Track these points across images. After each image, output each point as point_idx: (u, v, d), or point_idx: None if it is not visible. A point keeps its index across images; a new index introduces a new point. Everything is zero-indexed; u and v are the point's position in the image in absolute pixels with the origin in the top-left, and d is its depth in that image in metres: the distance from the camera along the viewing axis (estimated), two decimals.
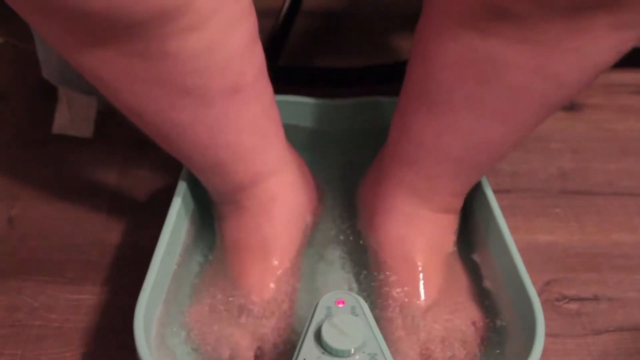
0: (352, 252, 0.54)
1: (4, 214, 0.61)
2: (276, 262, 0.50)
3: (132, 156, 0.66)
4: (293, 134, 0.57)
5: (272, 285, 0.49)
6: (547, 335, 0.49)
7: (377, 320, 0.45)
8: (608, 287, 0.55)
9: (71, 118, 0.67)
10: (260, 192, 0.50)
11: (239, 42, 0.42)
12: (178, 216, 0.51)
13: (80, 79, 0.43)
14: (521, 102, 0.42)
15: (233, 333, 0.47)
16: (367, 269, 0.52)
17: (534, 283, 0.45)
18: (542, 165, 0.66)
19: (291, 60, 0.78)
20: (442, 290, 0.49)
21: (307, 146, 0.60)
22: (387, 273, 0.50)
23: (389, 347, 0.42)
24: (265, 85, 0.47)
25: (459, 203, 0.52)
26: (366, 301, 0.44)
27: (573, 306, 0.53)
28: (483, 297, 0.50)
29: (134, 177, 0.64)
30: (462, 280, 0.51)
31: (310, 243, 0.54)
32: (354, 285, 0.52)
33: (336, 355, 0.40)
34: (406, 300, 0.48)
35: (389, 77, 0.72)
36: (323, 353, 0.41)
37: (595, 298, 0.54)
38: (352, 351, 0.40)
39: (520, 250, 0.47)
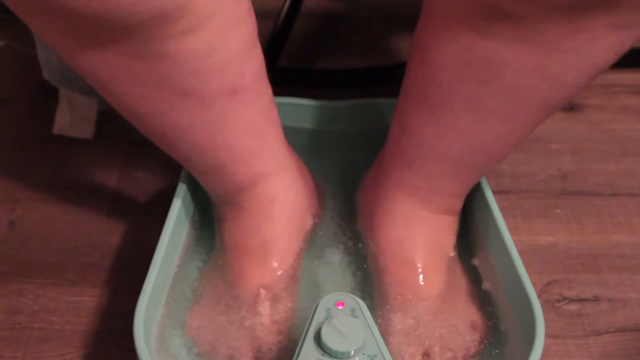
0: (352, 253, 0.54)
1: (5, 216, 0.61)
2: (276, 264, 0.50)
3: (132, 157, 0.67)
4: (293, 136, 0.57)
5: (272, 287, 0.49)
6: (548, 336, 0.49)
7: (377, 321, 0.45)
8: (608, 287, 0.55)
9: (72, 119, 0.68)
10: (260, 194, 0.50)
11: (238, 43, 0.42)
12: (178, 218, 0.51)
13: (80, 80, 0.43)
14: (520, 103, 0.42)
15: (233, 335, 0.47)
16: (367, 270, 0.52)
17: (534, 284, 0.45)
18: (542, 166, 0.66)
19: (291, 62, 0.78)
20: (442, 291, 0.49)
21: (306, 148, 0.60)
22: (387, 274, 0.50)
23: (389, 348, 0.42)
24: (264, 86, 0.47)
25: (458, 204, 0.52)
26: (366, 303, 0.44)
27: (573, 307, 0.53)
28: (483, 298, 0.50)
29: (134, 179, 0.64)
30: (462, 281, 0.51)
31: (310, 244, 0.54)
32: (354, 287, 0.52)
33: (336, 357, 0.40)
34: (406, 301, 0.48)
35: (388, 79, 0.72)
36: (323, 355, 0.41)
37: (596, 299, 0.54)
38: (352, 353, 0.40)
39: (520, 251, 0.47)
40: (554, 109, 0.44)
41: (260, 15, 0.45)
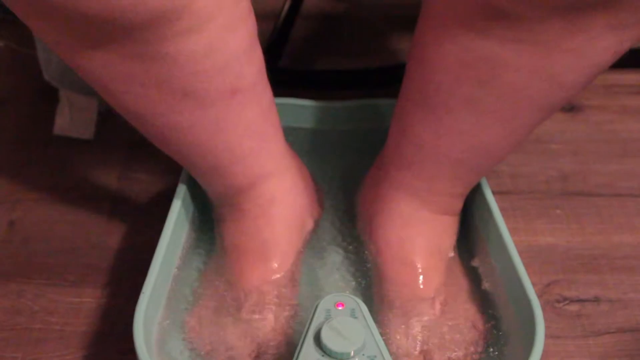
0: (352, 254, 0.54)
1: (5, 217, 0.61)
2: (276, 265, 0.50)
3: (132, 158, 0.67)
4: (293, 137, 0.57)
5: (271, 288, 0.49)
6: (548, 336, 0.49)
7: (377, 322, 0.45)
8: (609, 288, 0.55)
9: (72, 119, 0.68)
10: (260, 195, 0.50)
11: (238, 44, 0.42)
12: (178, 219, 0.51)
13: (80, 81, 0.43)
14: (520, 103, 0.42)
15: (233, 336, 0.47)
16: (367, 271, 0.52)
17: (534, 284, 0.45)
18: (542, 167, 0.66)
19: (291, 63, 0.78)
20: (442, 292, 0.49)
21: (306, 148, 0.60)
22: (387, 275, 0.50)
23: (389, 349, 0.42)
24: (264, 87, 0.47)
25: (458, 205, 0.52)
26: (366, 303, 0.44)
27: (573, 308, 0.53)
28: (483, 299, 0.50)
29: (134, 180, 0.64)
30: (462, 281, 0.51)
31: (310, 245, 0.54)
32: (354, 288, 0.52)
33: (335, 358, 0.40)
34: (406, 302, 0.48)
35: (388, 79, 0.72)
36: (322, 355, 0.41)
37: (596, 299, 0.54)
38: (352, 354, 0.40)
39: (520, 251, 0.47)
40: (553, 109, 0.44)
41: (261, 16, 0.45)
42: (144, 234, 0.59)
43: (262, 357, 0.47)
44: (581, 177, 0.65)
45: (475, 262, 0.52)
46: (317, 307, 0.43)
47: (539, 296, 0.52)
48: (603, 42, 0.37)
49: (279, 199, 0.51)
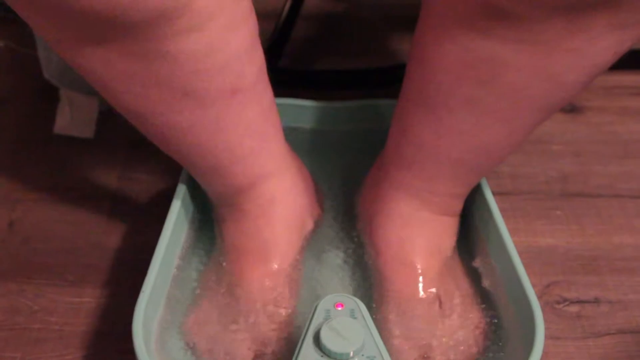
0: (352, 254, 0.54)
1: (5, 216, 0.61)
2: (276, 266, 0.50)
3: (132, 158, 0.67)
4: (293, 137, 0.57)
5: (271, 289, 0.49)
6: (548, 337, 0.49)
7: (376, 323, 0.45)
8: (609, 289, 0.55)
9: (72, 118, 0.68)
10: (260, 195, 0.50)
11: (238, 44, 0.42)
12: (177, 219, 0.51)
13: (81, 80, 0.43)
14: (521, 103, 0.42)
15: (232, 336, 0.47)
16: (367, 272, 0.52)
17: (534, 285, 0.45)
18: (542, 168, 0.66)
19: (291, 63, 0.78)
20: (442, 292, 0.49)
21: (306, 148, 0.60)
22: (387, 275, 0.50)
23: (388, 350, 0.42)
24: (265, 87, 0.47)
25: (458, 205, 0.51)
26: (365, 304, 0.44)
27: (573, 309, 0.53)
28: (483, 300, 0.50)
29: (134, 179, 0.64)
30: (462, 282, 0.51)
31: (310, 246, 0.54)
32: (353, 288, 0.52)
33: (335, 358, 0.40)
34: (405, 302, 0.48)
35: (388, 79, 0.72)
36: (322, 356, 0.41)
37: (596, 301, 0.54)
38: (351, 354, 0.40)
39: (520, 252, 0.47)
40: (554, 109, 0.43)
41: (261, 16, 0.45)
42: (143, 233, 0.59)
43: (262, 357, 0.47)
44: (581, 178, 0.65)
45: (475, 263, 0.52)
46: (316, 307, 0.43)
47: (539, 297, 0.52)
48: (603, 42, 0.37)
49: (279, 199, 0.51)
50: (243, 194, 0.50)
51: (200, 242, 0.54)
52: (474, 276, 0.51)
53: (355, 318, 0.43)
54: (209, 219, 0.55)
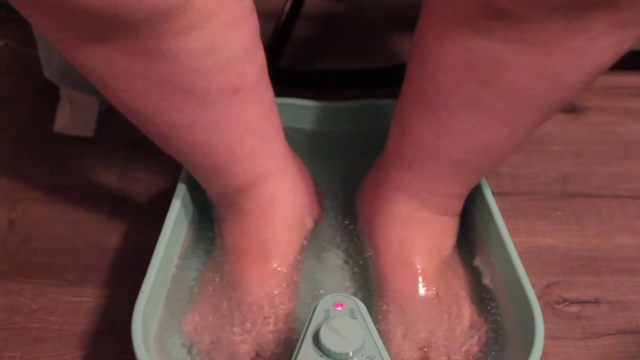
0: (352, 254, 0.54)
1: (5, 216, 0.61)
2: (276, 266, 0.50)
3: (132, 158, 0.67)
4: (293, 137, 0.57)
5: (271, 289, 0.49)
6: (548, 338, 0.49)
7: (376, 323, 0.45)
8: (609, 290, 0.55)
9: (72, 117, 0.68)
10: (260, 195, 0.50)
11: (239, 42, 0.42)
12: (177, 219, 0.51)
13: (81, 79, 0.43)
14: (521, 103, 0.42)
15: (232, 336, 0.47)
16: (367, 272, 0.52)
17: (534, 286, 0.45)
18: (542, 168, 0.66)
19: (291, 63, 0.78)
20: (442, 292, 0.49)
21: (306, 148, 0.60)
22: (386, 275, 0.50)
23: (387, 349, 0.42)
24: (265, 87, 0.47)
25: (458, 205, 0.51)
26: (365, 304, 0.44)
27: (573, 309, 0.53)
28: (482, 300, 0.50)
29: (134, 179, 0.64)
30: (461, 282, 0.51)
31: (310, 246, 0.54)
32: (353, 288, 0.52)
33: (334, 358, 0.40)
34: (405, 302, 0.48)
35: (389, 80, 0.72)
36: (321, 356, 0.41)
37: (596, 301, 0.54)
38: (351, 354, 0.40)
39: (520, 253, 0.47)
40: (554, 109, 0.43)
41: (262, 15, 0.45)
42: (143, 233, 0.59)
43: (261, 356, 0.46)
44: (581, 179, 0.64)
45: (475, 263, 0.52)
46: (316, 307, 0.43)
47: (539, 297, 0.52)
48: (604, 42, 0.37)
49: (279, 199, 0.51)
50: (243, 194, 0.50)
51: (200, 242, 0.54)
52: (474, 276, 0.51)
53: (354, 318, 0.43)
54: (209, 218, 0.55)
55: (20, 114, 0.73)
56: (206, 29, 0.40)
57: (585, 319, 0.52)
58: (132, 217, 0.61)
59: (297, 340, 0.42)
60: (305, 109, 0.61)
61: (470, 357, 0.46)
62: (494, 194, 0.52)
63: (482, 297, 0.50)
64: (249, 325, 0.48)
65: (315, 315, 0.43)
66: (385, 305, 0.49)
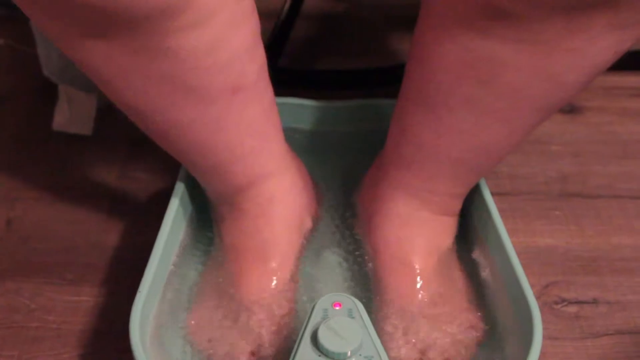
0: (351, 253, 0.54)
1: (3, 215, 0.61)
2: (274, 264, 0.50)
3: (131, 156, 0.67)
4: (292, 136, 0.57)
5: (270, 288, 0.49)
6: (546, 338, 0.49)
7: (374, 322, 0.45)
8: (607, 290, 0.55)
9: (71, 115, 0.68)
10: (259, 194, 0.50)
11: (240, 41, 0.42)
12: (176, 217, 0.51)
13: (80, 77, 0.43)
14: (520, 103, 0.42)
15: (231, 335, 0.47)
16: (365, 271, 0.52)
17: (532, 286, 0.45)
18: (541, 168, 0.66)
19: (291, 63, 0.78)
20: (440, 293, 0.49)
21: (306, 148, 0.60)
22: (385, 275, 0.50)
23: (386, 349, 0.42)
24: (266, 86, 0.47)
25: (457, 205, 0.51)
26: (363, 303, 0.44)
27: (572, 309, 0.53)
28: (481, 300, 0.50)
29: (134, 178, 0.64)
30: (460, 282, 0.51)
31: (309, 245, 0.54)
32: (352, 287, 0.52)
33: (332, 358, 0.40)
34: (403, 302, 0.48)
35: (388, 79, 0.72)
36: (319, 356, 0.41)
37: (595, 301, 0.54)
38: (349, 354, 0.40)
39: (519, 253, 0.47)
40: (553, 109, 0.43)
41: (261, 15, 0.45)
42: (142, 232, 0.59)
43: (260, 356, 0.46)
44: (581, 179, 0.64)
45: (474, 263, 0.52)
46: (314, 306, 0.43)
47: (538, 297, 0.53)
48: (603, 41, 0.37)
49: (279, 198, 0.51)
50: (242, 193, 0.50)
51: (199, 241, 0.54)
52: (472, 276, 0.51)
53: (353, 317, 0.43)
54: (208, 217, 0.55)
55: (19, 113, 0.73)
56: (207, 27, 0.40)
57: (584, 319, 0.52)
58: (132, 216, 0.61)
59: (296, 339, 0.42)
60: (305, 109, 0.61)
61: (469, 356, 0.46)
62: (492, 193, 0.52)
63: (480, 296, 0.50)
64: (248, 324, 0.48)
65: (313, 315, 0.43)
66: (383, 305, 0.49)
